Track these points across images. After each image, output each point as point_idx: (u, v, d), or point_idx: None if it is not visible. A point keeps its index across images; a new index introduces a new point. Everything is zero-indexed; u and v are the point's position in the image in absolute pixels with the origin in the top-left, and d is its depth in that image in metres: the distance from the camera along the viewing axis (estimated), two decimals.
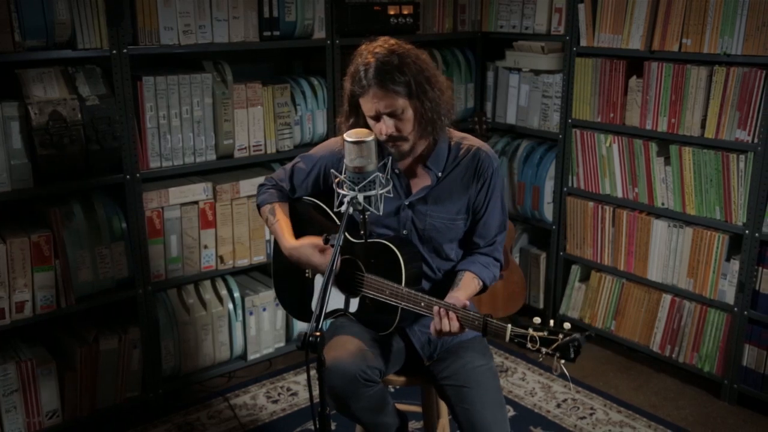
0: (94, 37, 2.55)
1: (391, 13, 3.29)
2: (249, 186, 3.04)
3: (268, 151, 3.09)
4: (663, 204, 3.14)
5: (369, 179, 1.71)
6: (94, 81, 2.61)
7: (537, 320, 1.76)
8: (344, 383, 1.85)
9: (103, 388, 2.82)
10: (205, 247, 2.98)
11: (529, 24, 3.51)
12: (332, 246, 1.78)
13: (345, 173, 1.74)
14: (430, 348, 2.09)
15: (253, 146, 3.04)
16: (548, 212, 3.60)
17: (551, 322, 1.75)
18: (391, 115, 1.90)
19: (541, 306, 3.73)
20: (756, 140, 2.80)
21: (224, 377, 3.20)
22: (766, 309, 2.87)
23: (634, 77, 3.16)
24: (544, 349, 1.71)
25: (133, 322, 2.87)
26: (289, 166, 2.22)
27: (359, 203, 1.70)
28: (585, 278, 3.56)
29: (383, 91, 1.87)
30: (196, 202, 2.93)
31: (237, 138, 2.98)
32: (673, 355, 3.19)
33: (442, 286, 2.05)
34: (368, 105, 1.91)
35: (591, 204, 3.40)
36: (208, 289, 3.09)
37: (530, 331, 1.73)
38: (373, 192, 1.72)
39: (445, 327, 1.84)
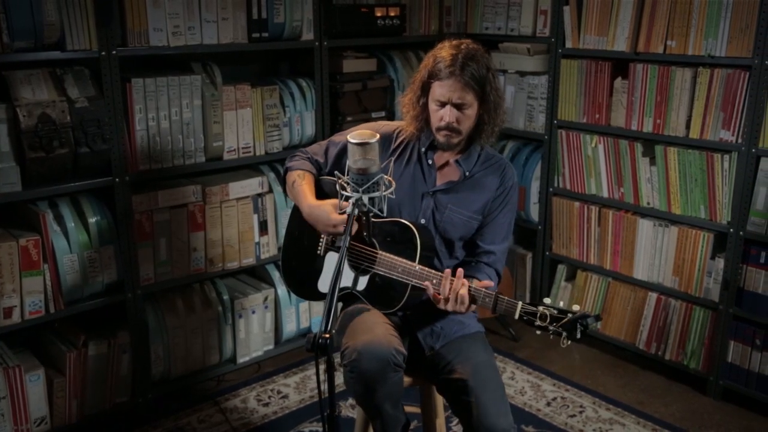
0: (83, 38, 2.51)
1: (378, 15, 3.30)
2: (238, 188, 3.03)
3: (257, 153, 3.07)
4: (648, 203, 3.19)
5: (373, 181, 1.71)
6: (82, 83, 2.57)
7: (547, 300, 1.83)
8: (376, 366, 1.85)
9: (92, 393, 2.78)
10: (195, 249, 2.96)
11: (515, 26, 3.55)
12: (338, 248, 1.78)
13: (348, 174, 1.75)
14: (432, 339, 2.11)
15: (242, 148, 3.02)
16: (534, 212, 3.64)
17: (561, 303, 1.81)
18: (459, 107, 2.01)
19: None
20: (740, 140, 2.85)
21: (213, 381, 3.18)
22: (751, 306, 2.92)
23: (619, 78, 3.20)
24: (551, 327, 1.77)
25: (122, 327, 2.84)
26: (324, 141, 2.29)
27: (364, 204, 1.71)
28: (571, 277, 3.60)
29: (461, 83, 1.98)
30: (185, 205, 2.90)
31: (226, 140, 2.96)
32: (659, 353, 3.24)
33: None
34: (443, 90, 2.00)
35: (577, 204, 3.44)
36: (197, 292, 3.07)
37: (540, 308, 1.80)
38: (377, 193, 1.72)
39: (456, 286, 1.87)
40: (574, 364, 3.35)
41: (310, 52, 3.16)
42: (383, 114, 3.43)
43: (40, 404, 2.66)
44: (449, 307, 1.91)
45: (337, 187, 1.78)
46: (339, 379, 2.86)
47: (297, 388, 3.14)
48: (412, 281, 1.97)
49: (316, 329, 3.39)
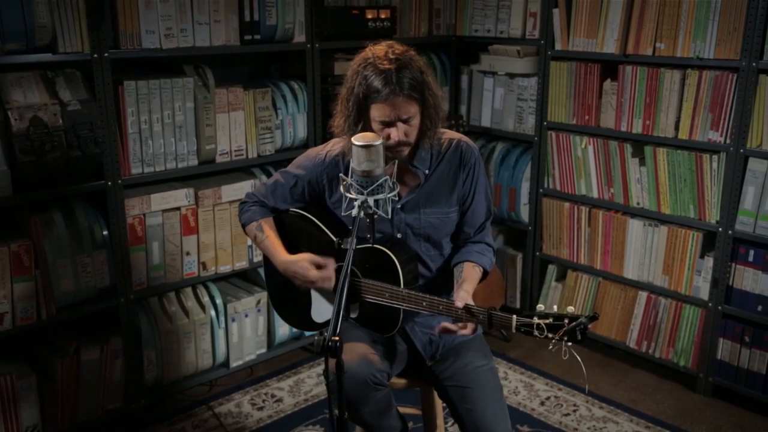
0: (75, 40, 2.48)
1: (369, 17, 3.30)
2: (231, 191, 3.01)
3: (250, 156, 3.06)
4: (638, 204, 3.23)
5: (378, 183, 1.71)
6: (74, 85, 2.54)
7: (540, 307, 1.80)
8: (355, 388, 1.85)
9: (84, 400, 2.75)
10: (188, 253, 2.94)
11: (504, 28, 3.56)
12: (341, 251, 1.78)
13: (352, 177, 1.74)
14: (431, 348, 2.10)
15: (235, 151, 3.01)
16: (524, 213, 3.66)
17: (555, 307, 1.79)
18: (405, 121, 1.93)
19: (518, 306, 3.78)
20: (728, 141, 2.90)
21: (206, 385, 3.15)
22: (740, 304, 2.97)
23: (609, 80, 3.23)
24: (551, 335, 1.75)
25: (114, 332, 2.80)
26: (270, 182, 2.21)
27: (370, 207, 1.70)
28: (561, 278, 3.63)
29: (404, 99, 1.89)
30: (178, 209, 2.88)
31: (219, 143, 2.94)
32: (650, 351, 3.28)
33: (438, 282, 2.09)
34: (385, 111, 1.90)
35: (567, 204, 3.47)
36: (190, 296, 3.04)
37: (536, 319, 1.77)
38: (381, 195, 1.72)
39: (461, 332, 1.87)
40: (565, 363, 3.37)
41: (302, 54, 3.15)
42: None
43: (32, 412, 2.62)
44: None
45: (342, 189, 1.77)
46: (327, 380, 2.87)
47: (291, 391, 3.13)
48: (402, 306, 1.94)
49: (308, 332, 3.40)
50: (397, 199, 2.04)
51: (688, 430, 2.89)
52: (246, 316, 3.17)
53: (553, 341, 1.75)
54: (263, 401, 3.06)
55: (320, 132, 3.25)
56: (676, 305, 3.18)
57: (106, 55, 2.56)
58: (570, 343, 1.76)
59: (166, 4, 2.67)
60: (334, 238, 2.07)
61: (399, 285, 1.95)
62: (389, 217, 1.76)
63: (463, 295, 1.92)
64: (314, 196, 2.15)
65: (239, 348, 3.19)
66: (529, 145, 3.61)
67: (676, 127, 3.04)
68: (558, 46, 3.36)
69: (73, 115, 2.49)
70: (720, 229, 2.97)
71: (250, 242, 3.12)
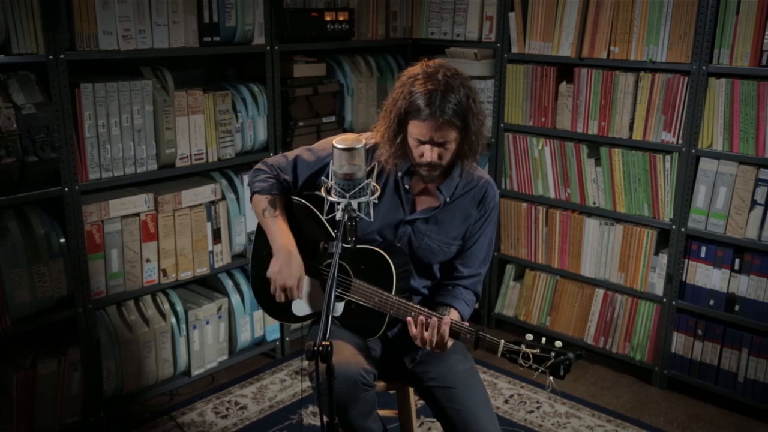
0: (30, 41, 2.39)
1: (328, 19, 3.29)
2: (191, 196, 2.95)
3: (210, 160, 3.00)
4: (594, 203, 3.31)
5: (359, 186, 1.71)
6: (28, 88, 2.44)
7: (529, 336, 1.79)
8: (345, 388, 1.84)
9: (41, 414, 2.64)
10: (148, 260, 2.86)
11: (461, 31, 3.60)
12: (322, 257, 1.76)
13: (333, 180, 1.73)
14: (412, 352, 2.10)
15: (195, 155, 2.94)
16: None
17: (543, 339, 1.77)
18: (440, 144, 1.91)
19: (476, 306, 3.82)
20: (680, 141, 3.00)
21: (167, 395, 3.08)
22: (693, 298, 3.08)
23: (564, 83, 3.31)
24: (535, 366, 1.75)
25: (72, 343, 2.71)
26: (291, 155, 2.14)
27: (353, 210, 1.69)
28: (519, 277, 3.69)
29: (444, 122, 1.87)
30: (137, 214, 2.80)
31: (178, 147, 2.87)
32: (607, 347, 3.36)
33: (423, 301, 2.09)
34: (423, 130, 1.89)
35: (524, 205, 3.53)
36: (150, 304, 2.96)
37: (523, 347, 1.77)
38: (363, 199, 1.72)
39: (427, 336, 1.86)
40: None
41: (261, 56, 3.11)
42: (333, 119, 3.42)
43: None
44: (428, 348, 1.90)
45: (323, 192, 1.76)
46: (302, 384, 2.84)
47: (255, 398, 3.08)
48: (389, 312, 1.94)
49: (270, 338, 3.36)
50: (407, 212, 2.04)
51: (646, 422, 2.98)
52: (207, 323, 3.11)
53: (537, 373, 1.75)
54: (227, 409, 3.00)
55: (280, 135, 3.22)
56: (632, 301, 3.27)
57: (62, 56, 2.47)
58: (552, 378, 1.75)
59: (124, 5, 2.60)
60: (333, 233, 2.02)
61: (390, 291, 1.94)
62: (371, 219, 1.75)
63: (448, 320, 1.90)
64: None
65: (200, 356, 3.12)
66: (486, 147, 3.66)
67: (631, 129, 3.13)
68: (514, 49, 3.42)
69: (29, 120, 2.40)
70: (673, 226, 3.07)
71: (210, 248, 3.06)
